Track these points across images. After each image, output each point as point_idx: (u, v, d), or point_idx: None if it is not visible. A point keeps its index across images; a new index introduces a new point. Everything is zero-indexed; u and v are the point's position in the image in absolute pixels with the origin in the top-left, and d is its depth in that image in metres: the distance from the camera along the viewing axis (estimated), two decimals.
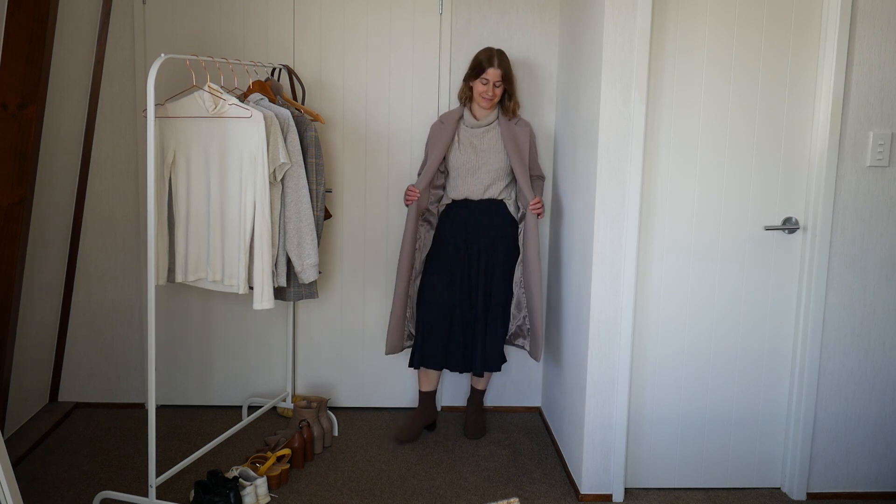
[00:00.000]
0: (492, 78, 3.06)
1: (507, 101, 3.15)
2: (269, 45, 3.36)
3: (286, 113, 2.86)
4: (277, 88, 3.05)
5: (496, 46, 3.35)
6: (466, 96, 3.17)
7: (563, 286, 3.19)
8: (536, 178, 3.26)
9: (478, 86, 3.09)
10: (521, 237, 3.18)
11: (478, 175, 3.13)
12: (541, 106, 3.43)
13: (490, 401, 3.64)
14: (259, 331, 3.54)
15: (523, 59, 3.39)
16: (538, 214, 3.12)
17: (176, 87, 3.11)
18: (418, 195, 3.12)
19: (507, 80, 3.10)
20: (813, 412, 2.81)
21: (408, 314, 3.22)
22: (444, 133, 3.15)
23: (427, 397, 3.36)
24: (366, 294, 3.54)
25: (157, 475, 2.63)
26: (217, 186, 2.76)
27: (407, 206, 3.17)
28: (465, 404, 3.54)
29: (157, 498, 2.60)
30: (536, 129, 3.42)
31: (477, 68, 3.09)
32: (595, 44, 2.73)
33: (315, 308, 3.53)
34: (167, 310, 3.47)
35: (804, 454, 2.83)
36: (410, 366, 3.23)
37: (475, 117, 3.16)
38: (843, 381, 2.82)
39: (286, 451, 2.95)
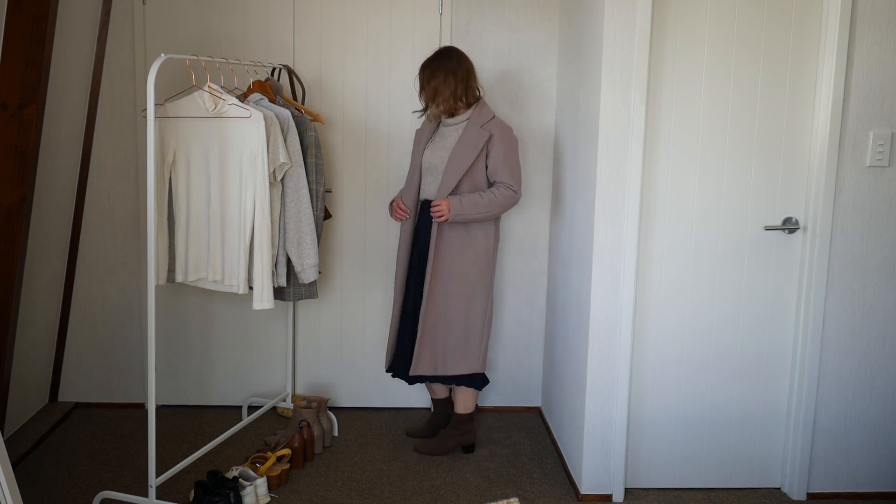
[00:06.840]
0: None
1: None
2: (269, 45, 3.36)
3: (286, 113, 2.86)
4: (277, 88, 3.05)
5: (496, 46, 3.35)
6: None
7: (563, 286, 3.19)
8: (499, 184, 2.91)
9: None
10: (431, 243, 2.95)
11: (433, 174, 2.98)
12: (541, 106, 3.43)
13: (490, 401, 3.64)
14: (259, 331, 3.54)
15: (523, 60, 3.39)
16: (437, 218, 2.87)
17: (176, 87, 3.11)
18: (408, 214, 3.02)
19: (434, 79, 2.92)
20: (813, 412, 2.81)
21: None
22: (425, 130, 3.07)
23: (435, 404, 3.34)
24: (366, 294, 3.54)
25: (157, 475, 2.63)
26: (217, 186, 2.76)
27: (396, 220, 3.06)
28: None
29: (157, 498, 2.60)
30: (537, 130, 3.42)
31: None
32: (595, 44, 2.73)
33: (315, 308, 3.53)
34: (167, 310, 3.47)
35: (804, 454, 2.83)
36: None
37: (452, 114, 3.00)
38: (843, 381, 2.82)
39: (286, 451, 2.95)
